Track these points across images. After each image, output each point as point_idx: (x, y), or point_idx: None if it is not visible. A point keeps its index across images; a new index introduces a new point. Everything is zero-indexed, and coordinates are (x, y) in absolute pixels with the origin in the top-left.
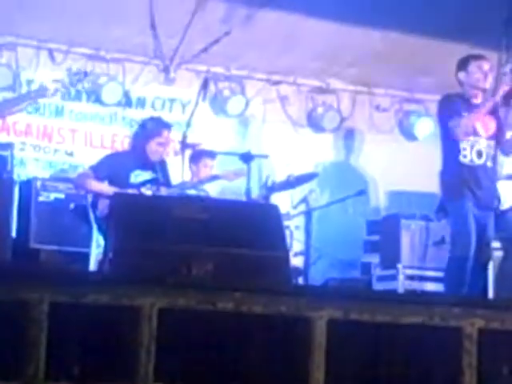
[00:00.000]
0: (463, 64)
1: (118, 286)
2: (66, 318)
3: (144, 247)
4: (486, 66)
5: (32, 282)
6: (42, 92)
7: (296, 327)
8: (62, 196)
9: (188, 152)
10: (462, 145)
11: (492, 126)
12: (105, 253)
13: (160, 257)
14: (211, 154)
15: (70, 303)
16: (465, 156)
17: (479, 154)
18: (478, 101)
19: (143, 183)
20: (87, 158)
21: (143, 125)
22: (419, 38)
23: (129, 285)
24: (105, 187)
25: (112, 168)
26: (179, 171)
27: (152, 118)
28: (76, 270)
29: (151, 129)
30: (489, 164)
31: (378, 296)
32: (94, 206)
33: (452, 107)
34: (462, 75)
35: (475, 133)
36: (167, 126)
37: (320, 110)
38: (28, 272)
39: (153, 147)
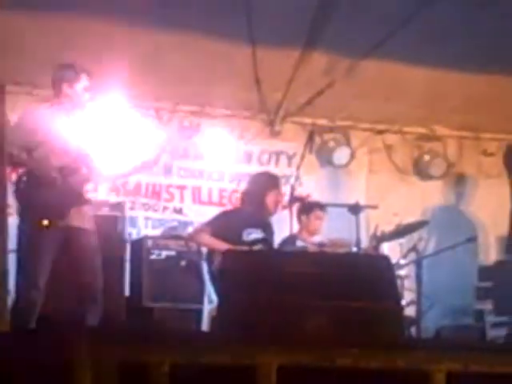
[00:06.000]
0: None
1: (234, 345)
2: (186, 378)
3: (257, 303)
4: None
5: (151, 344)
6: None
7: (414, 381)
8: (172, 253)
9: (296, 205)
10: None
11: None
12: (219, 310)
13: (273, 313)
14: (321, 206)
15: (189, 364)
16: None
17: None
18: None
19: (254, 241)
20: (196, 214)
21: (256, 180)
22: None
23: (245, 343)
24: (219, 244)
25: (226, 225)
26: (287, 224)
27: (264, 173)
28: (193, 331)
29: (266, 182)
30: None
31: (494, 346)
32: (210, 260)
33: None
34: None
35: None
36: (278, 179)
37: (426, 157)
38: (147, 333)
39: (272, 199)
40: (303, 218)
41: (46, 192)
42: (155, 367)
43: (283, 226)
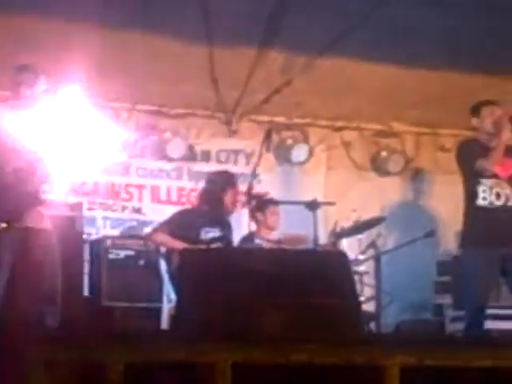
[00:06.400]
0: (475, 110)
1: (190, 343)
2: (142, 377)
3: (215, 302)
4: (497, 110)
5: (107, 343)
6: None
7: (370, 376)
8: (131, 253)
9: (253, 203)
10: (482, 187)
11: (511, 167)
12: (176, 309)
13: (231, 311)
14: (277, 203)
15: (144, 363)
16: (484, 198)
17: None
18: (493, 145)
19: (212, 240)
20: (155, 213)
21: (214, 179)
22: (480, 77)
23: (202, 341)
24: (177, 243)
25: (184, 224)
26: (245, 222)
27: (221, 172)
28: (148, 330)
29: (223, 181)
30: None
31: (450, 340)
32: (168, 260)
33: (468, 152)
34: (474, 121)
35: (494, 175)
36: (236, 178)
37: (384, 153)
38: (102, 333)
39: (230, 198)
40: (259, 215)
41: (1, 195)
42: (110, 367)
43: (242, 224)
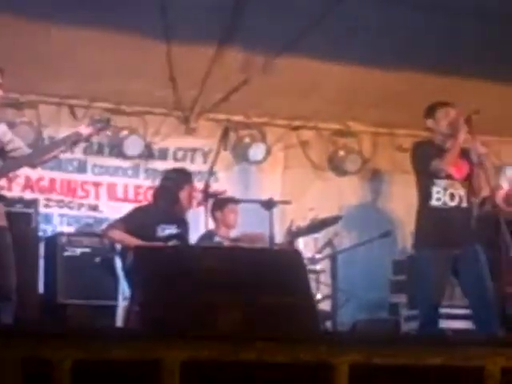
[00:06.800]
0: (430, 111)
1: (140, 341)
2: (89, 375)
3: (168, 299)
4: (452, 112)
5: (55, 340)
6: (75, 137)
7: (318, 374)
8: (87, 250)
9: (210, 201)
10: (436, 188)
11: (465, 168)
12: (130, 306)
13: (184, 309)
14: (234, 201)
15: (92, 360)
16: (438, 199)
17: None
18: (448, 146)
19: (169, 237)
20: (111, 211)
21: (170, 176)
22: (438, 77)
23: (151, 339)
24: (133, 240)
25: (140, 221)
26: (203, 220)
27: (177, 169)
28: (98, 326)
29: (180, 179)
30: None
31: (400, 338)
32: (124, 257)
33: (423, 153)
34: (430, 122)
35: (448, 176)
36: (192, 175)
37: (341, 152)
38: (51, 330)
39: (185, 195)
40: (217, 213)
41: None
42: (57, 364)
43: (200, 222)
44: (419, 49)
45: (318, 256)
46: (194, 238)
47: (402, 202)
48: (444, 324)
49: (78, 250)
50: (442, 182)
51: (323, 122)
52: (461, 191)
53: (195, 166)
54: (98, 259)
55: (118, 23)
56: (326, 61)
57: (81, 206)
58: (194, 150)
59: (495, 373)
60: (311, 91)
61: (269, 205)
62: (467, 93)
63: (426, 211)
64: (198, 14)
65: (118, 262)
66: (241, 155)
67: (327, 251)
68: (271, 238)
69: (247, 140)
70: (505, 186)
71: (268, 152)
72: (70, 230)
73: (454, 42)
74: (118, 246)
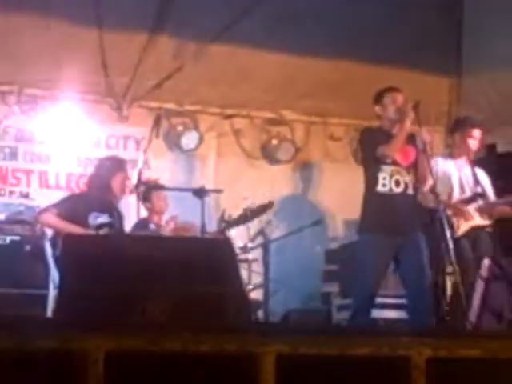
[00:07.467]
0: (378, 97)
1: (64, 330)
2: (11, 364)
3: (96, 289)
4: (399, 97)
5: None
6: None
7: (243, 364)
8: (17, 238)
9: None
10: (382, 174)
11: (412, 154)
12: (58, 296)
13: (112, 298)
14: (164, 189)
15: (16, 350)
16: (384, 185)
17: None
18: (395, 131)
19: (101, 225)
20: (43, 198)
21: (102, 164)
22: (372, 66)
23: (76, 328)
24: (66, 225)
25: (72, 208)
26: (135, 209)
27: (110, 157)
28: (19, 316)
29: (112, 167)
30: (409, 192)
31: (328, 329)
32: (54, 244)
33: (371, 139)
34: (377, 108)
35: (395, 162)
36: (124, 163)
37: (274, 141)
38: None
39: (118, 183)
40: (148, 201)
41: None
42: None
43: (132, 210)
44: (353, 38)
45: (250, 245)
46: (127, 227)
47: (333, 191)
48: (376, 314)
49: (8, 238)
50: (388, 168)
51: (256, 110)
52: (406, 178)
53: (127, 153)
54: (28, 247)
55: (50, 10)
56: (260, 49)
57: (12, 193)
58: (127, 138)
59: (421, 363)
60: (244, 79)
61: (200, 193)
62: (401, 82)
63: (371, 197)
64: (130, 1)
65: (49, 249)
66: (173, 143)
67: (259, 240)
68: (203, 226)
69: (180, 128)
70: None
71: (201, 140)
72: (1, 217)
73: (391, 29)
74: (49, 234)
